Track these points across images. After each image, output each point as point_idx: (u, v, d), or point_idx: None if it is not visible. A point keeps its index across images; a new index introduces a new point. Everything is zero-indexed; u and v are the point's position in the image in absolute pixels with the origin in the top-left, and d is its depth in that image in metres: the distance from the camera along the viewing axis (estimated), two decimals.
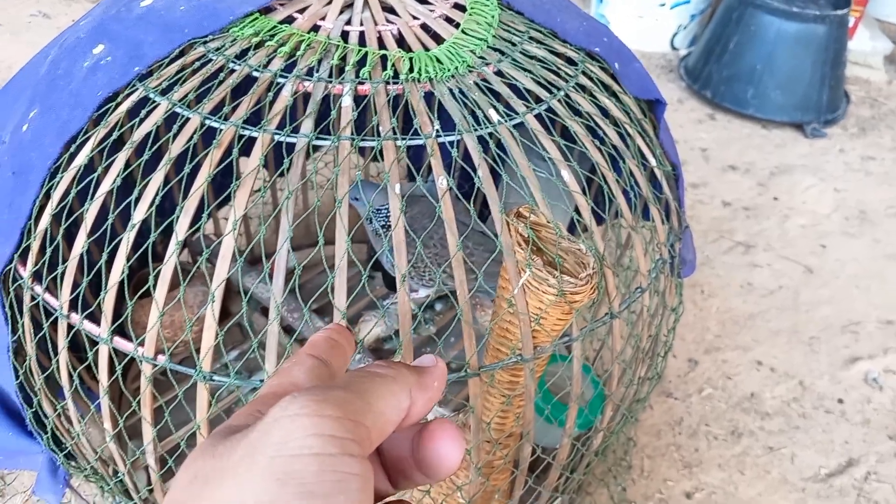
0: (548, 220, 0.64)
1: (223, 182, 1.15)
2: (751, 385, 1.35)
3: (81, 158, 0.66)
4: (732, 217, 1.77)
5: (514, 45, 0.76)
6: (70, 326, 0.67)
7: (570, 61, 0.79)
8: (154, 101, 0.67)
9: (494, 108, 0.67)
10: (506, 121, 0.67)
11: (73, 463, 0.83)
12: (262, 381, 0.63)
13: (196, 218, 0.62)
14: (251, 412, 0.27)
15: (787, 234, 1.72)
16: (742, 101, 2.10)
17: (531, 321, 0.63)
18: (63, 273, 0.65)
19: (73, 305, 0.67)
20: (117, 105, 0.67)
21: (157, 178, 0.62)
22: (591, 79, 0.77)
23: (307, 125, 0.63)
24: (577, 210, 0.71)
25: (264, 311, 1.19)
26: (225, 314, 1.03)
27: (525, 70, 0.73)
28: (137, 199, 0.62)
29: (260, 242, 0.63)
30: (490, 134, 0.67)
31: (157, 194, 0.62)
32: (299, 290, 1.34)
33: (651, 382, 0.87)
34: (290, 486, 0.23)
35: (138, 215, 0.62)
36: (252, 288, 1.08)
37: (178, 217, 0.60)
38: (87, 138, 0.67)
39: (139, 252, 0.63)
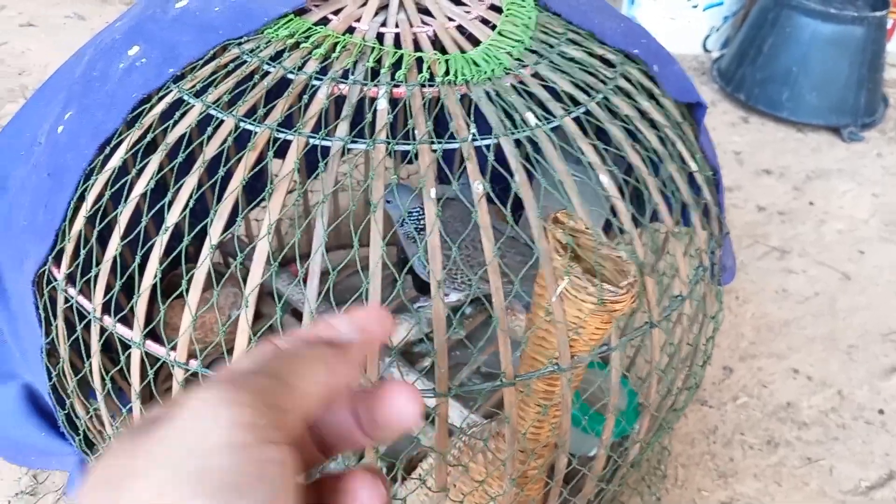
0: (586, 226, 0.63)
1: (254, 185, 1.15)
2: (787, 394, 1.32)
3: (115, 160, 0.65)
4: (767, 222, 1.73)
5: (551, 46, 0.75)
6: (103, 329, 0.66)
7: (609, 63, 0.77)
8: (188, 103, 0.66)
9: (531, 111, 0.66)
10: (543, 124, 0.66)
11: None
12: None
13: (230, 221, 0.62)
14: (171, 403, 0.25)
15: (824, 240, 1.69)
16: (777, 103, 2.06)
17: (569, 330, 0.62)
18: (97, 276, 0.65)
19: (106, 308, 0.67)
20: (151, 107, 0.67)
21: (191, 182, 0.62)
22: (630, 81, 0.76)
23: (342, 128, 0.62)
24: (611, 210, 0.69)
25: (295, 314, 1.18)
26: (256, 316, 1.02)
27: (563, 72, 0.72)
28: (171, 202, 0.62)
29: (295, 246, 0.62)
30: (527, 137, 0.66)
31: (190, 197, 0.61)
32: (330, 292, 1.34)
33: (689, 392, 0.85)
34: (208, 482, 0.22)
35: (172, 218, 0.61)
36: (286, 292, 1.07)
37: (212, 220, 0.59)
38: (122, 140, 0.67)
39: (172, 255, 0.62)
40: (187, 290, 0.59)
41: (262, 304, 1.21)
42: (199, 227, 0.61)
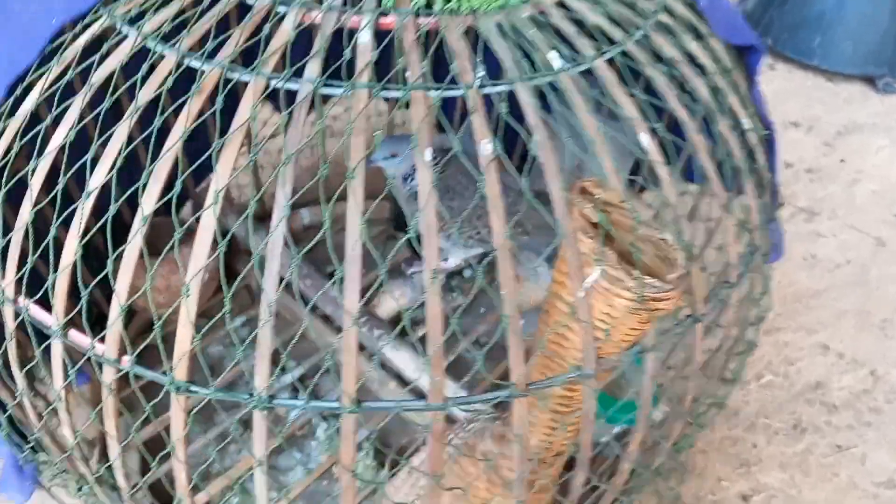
0: (622, 198, 0.50)
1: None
2: (816, 373, 1.21)
3: (29, 104, 0.52)
4: (794, 180, 1.61)
5: None
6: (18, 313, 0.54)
7: None
8: (121, 33, 0.52)
9: (556, 49, 0.52)
10: (570, 66, 0.52)
11: (41, 458, 0.72)
12: (249, 395, 0.50)
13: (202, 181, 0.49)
14: None
15: (856, 201, 1.57)
16: (807, 50, 1.92)
17: (596, 330, 0.49)
18: (6, 248, 0.52)
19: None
20: (75, 37, 0.53)
21: (121, 133, 0.48)
22: (673, 16, 0.62)
23: (313, 68, 0.49)
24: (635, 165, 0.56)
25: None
26: (231, 275, 0.90)
27: (594, 2, 0.58)
28: (95, 159, 0.48)
29: (249, 205, 0.49)
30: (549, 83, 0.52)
31: (119, 153, 0.48)
32: (315, 250, 1.22)
33: (728, 386, 0.73)
34: None
35: (96, 180, 0.48)
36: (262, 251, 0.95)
37: (143, 186, 0.46)
38: (37, 79, 0.53)
39: (100, 221, 0.49)
40: (114, 273, 0.47)
41: (239, 262, 1.10)
42: (131, 191, 0.48)
